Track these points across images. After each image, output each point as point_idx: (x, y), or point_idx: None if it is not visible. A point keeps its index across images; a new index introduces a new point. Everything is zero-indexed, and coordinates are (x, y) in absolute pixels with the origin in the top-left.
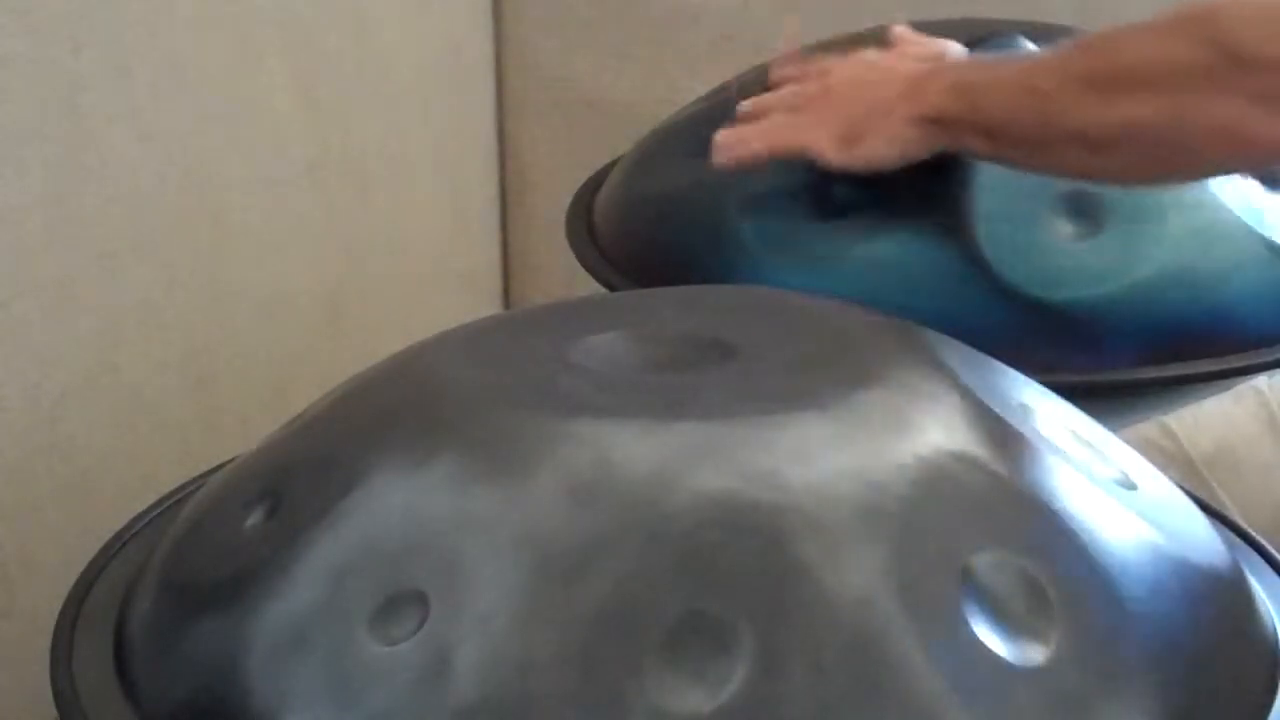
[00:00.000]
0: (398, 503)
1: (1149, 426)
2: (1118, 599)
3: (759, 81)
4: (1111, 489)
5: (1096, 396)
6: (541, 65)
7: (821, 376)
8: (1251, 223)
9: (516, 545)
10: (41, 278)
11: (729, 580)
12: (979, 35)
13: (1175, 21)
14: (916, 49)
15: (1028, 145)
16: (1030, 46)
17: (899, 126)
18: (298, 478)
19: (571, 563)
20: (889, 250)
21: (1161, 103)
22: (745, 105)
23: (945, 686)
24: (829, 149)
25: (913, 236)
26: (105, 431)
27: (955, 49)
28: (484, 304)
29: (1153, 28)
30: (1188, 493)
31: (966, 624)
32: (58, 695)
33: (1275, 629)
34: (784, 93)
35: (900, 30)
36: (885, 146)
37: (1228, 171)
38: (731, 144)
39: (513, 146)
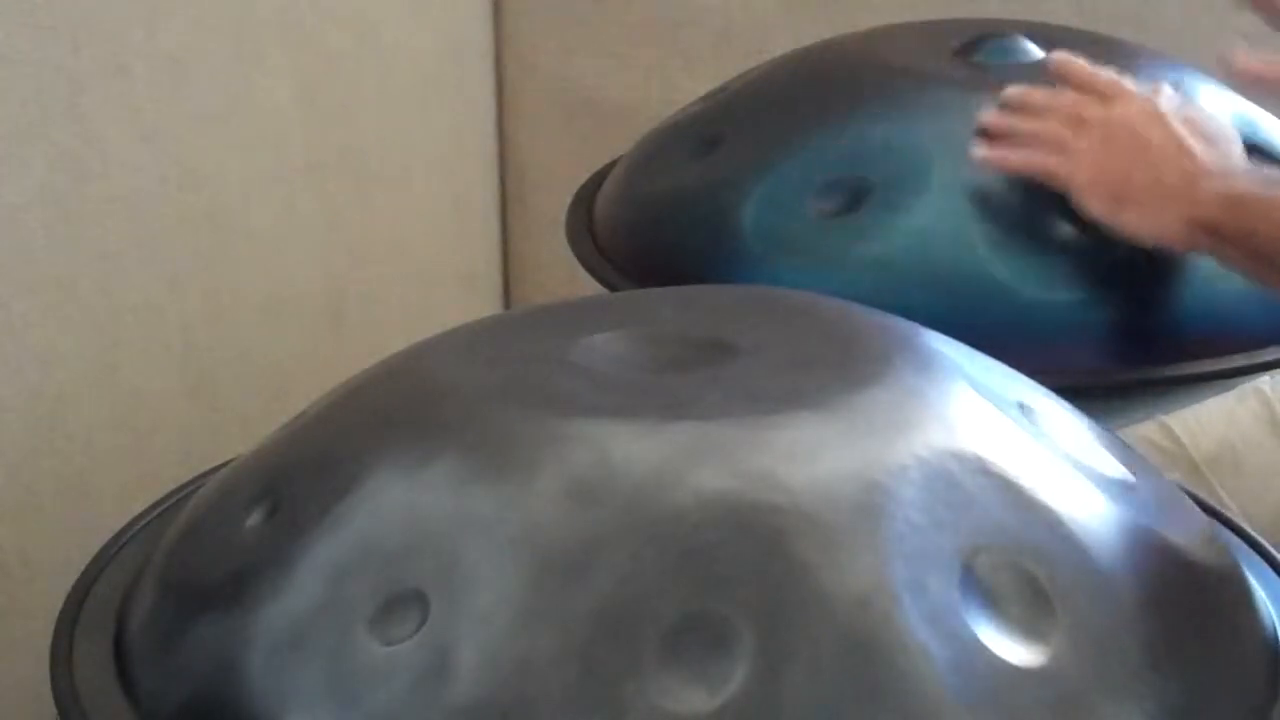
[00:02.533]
0: (398, 503)
1: (1149, 426)
2: (1118, 599)
3: (759, 81)
4: (1111, 488)
5: (1096, 396)
6: (541, 65)
7: (821, 376)
8: None
9: (516, 545)
10: (41, 278)
11: (729, 580)
12: (979, 35)
13: None
14: (1190, 109)
15: None
16: (1033, 48)
17: (1168, 220)
18: (298, 478)
19: (571, 563)
20: (889, 250)
21: None
22: (1014, 99)
23: (945, 686)
24: (1093, 199)
25: (913, 236)
26: (105, 431)
27: (1228, 128)
28: (484, 304)
29: None
30: (1188, 493)
31: (966, 624)
32: (58, 695)
33: (1275, 629)
34: (1054, 120)
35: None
36: (1148, 229)
37: None
38: (994, 158)
39: (513, 146)
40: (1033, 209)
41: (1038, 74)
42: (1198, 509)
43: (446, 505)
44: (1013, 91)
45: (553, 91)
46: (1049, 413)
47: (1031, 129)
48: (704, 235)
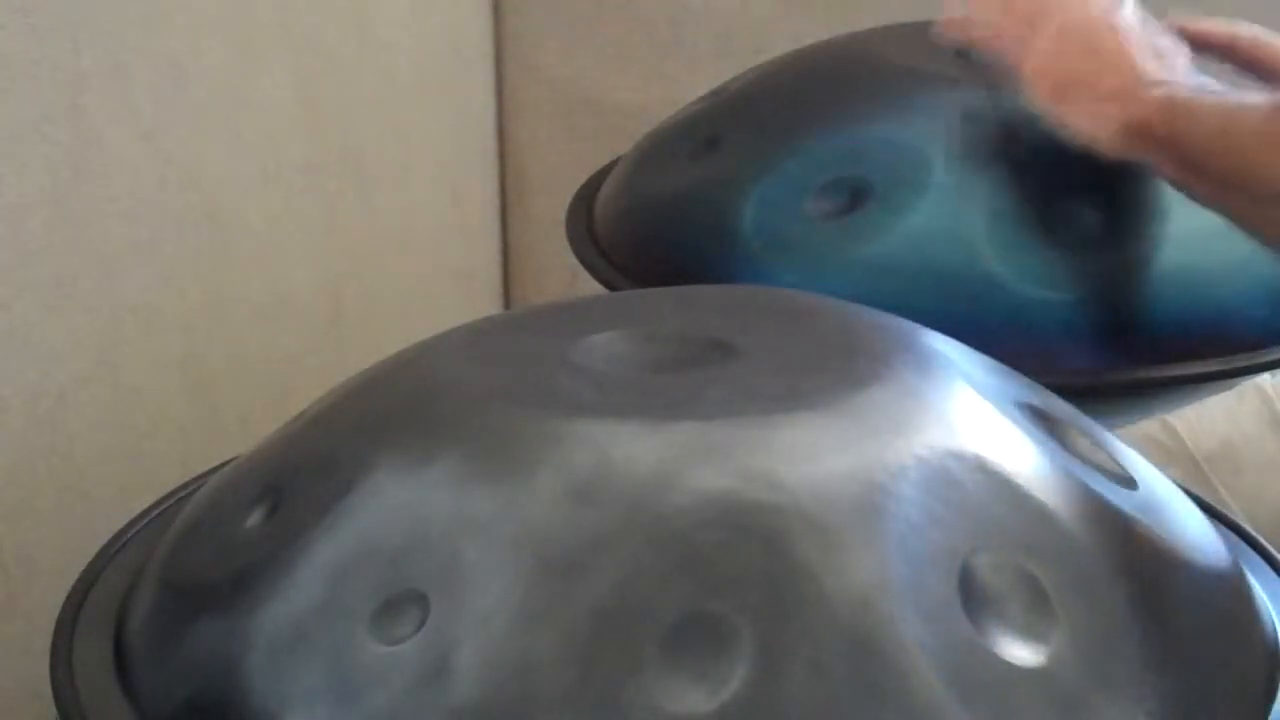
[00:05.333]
0: (398, 503)
1: (1151, 423)
2: (1118, 599)
3: (759, 80)
4: (1112, 488)
5: (1096, 396)
6: (541, 65)
7: (821, 376)
8: None
9: (517, 545)
10: (41, 278)
11: (729, 580)
12: None
13: None
14: (1146, 25)
15: (1221, 189)
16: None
17: (1104, 120)
18: (298, 478)
19: (571, 563)
20: (888, 250)
21: None
22: None
23: (945, 686)
24: (1037, 87)
25: (912, 236)
26: (105, 431)
27: (1177, 46)
28: (484, 304)
29: None
30: (1189, 492)
31: (966, 624)
32: (58, 695)
33: (1275, 629)
34: (1013, 18)
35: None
36: (1085, 126)
37: None
38: (960, 23)
39: (513, 146)
40: (1032, 209)
41: None
42: (1198, 509)
43: (446, 505)
44: None
45: (553, 91)
46: (1049, 412)
47: (991, 20)
48: (704, 235)
